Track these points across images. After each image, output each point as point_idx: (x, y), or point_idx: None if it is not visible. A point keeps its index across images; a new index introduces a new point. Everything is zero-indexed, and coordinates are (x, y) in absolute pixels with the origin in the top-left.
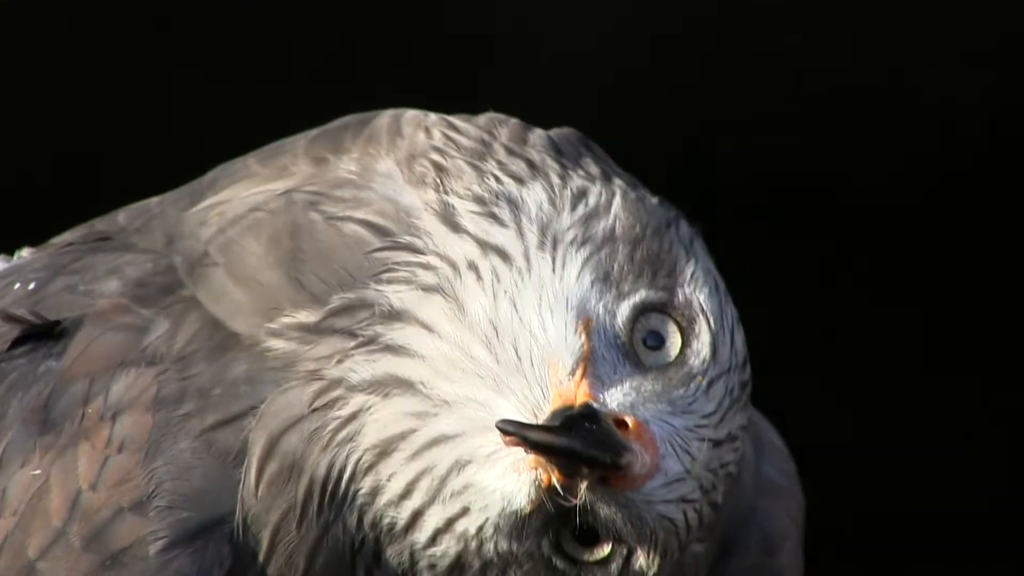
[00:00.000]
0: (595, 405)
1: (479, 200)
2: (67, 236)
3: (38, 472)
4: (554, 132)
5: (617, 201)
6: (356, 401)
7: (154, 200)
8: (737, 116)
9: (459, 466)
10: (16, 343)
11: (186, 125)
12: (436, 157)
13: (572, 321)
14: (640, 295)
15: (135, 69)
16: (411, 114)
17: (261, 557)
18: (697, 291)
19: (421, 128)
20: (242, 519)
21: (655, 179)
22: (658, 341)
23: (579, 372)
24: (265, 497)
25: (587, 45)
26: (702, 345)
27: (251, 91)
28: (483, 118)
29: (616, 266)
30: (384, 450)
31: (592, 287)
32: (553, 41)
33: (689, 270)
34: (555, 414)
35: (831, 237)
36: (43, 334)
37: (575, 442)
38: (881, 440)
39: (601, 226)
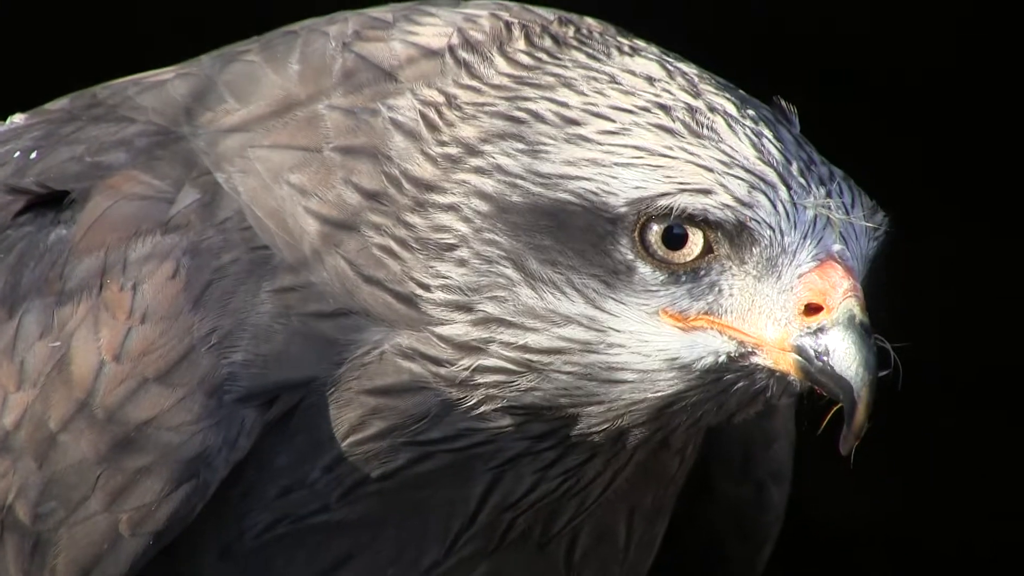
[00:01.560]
0: None
1: None
2: (64, 102)
3: (57, 344)
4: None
5: None
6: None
7: (163, 75)
8: None
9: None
10: (19, 213)
11: None
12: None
13: None
14: None
15: None
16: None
17: (314, 441)
18: None
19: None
20: (317, 401)
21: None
22: None
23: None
24: (362, 397)
25: None
26: None
27: None
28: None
29: None
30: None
31: None
32: None
33: None
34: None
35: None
36: (47, 203)
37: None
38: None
39: None
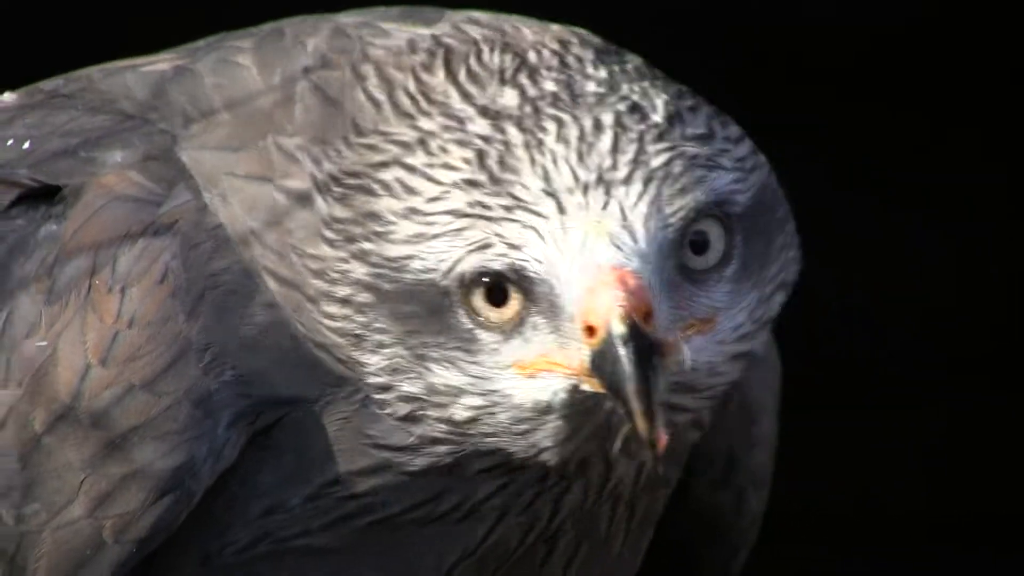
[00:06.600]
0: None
1: None
2: (59, 83)
3: (44, 344)
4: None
5: None
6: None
7: (159, 63)
8: None
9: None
10: (11, 205)
11: None
12: None
13: None
14: None
15: None
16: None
17: (300, 465)
18: None
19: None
20: (305, 419)
21: None
22: None
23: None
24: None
25: None
26: None
27: None
28: None
29: None
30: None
31: None
32: None
33: None
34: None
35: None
36: (39, 196)
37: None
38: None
39: None
